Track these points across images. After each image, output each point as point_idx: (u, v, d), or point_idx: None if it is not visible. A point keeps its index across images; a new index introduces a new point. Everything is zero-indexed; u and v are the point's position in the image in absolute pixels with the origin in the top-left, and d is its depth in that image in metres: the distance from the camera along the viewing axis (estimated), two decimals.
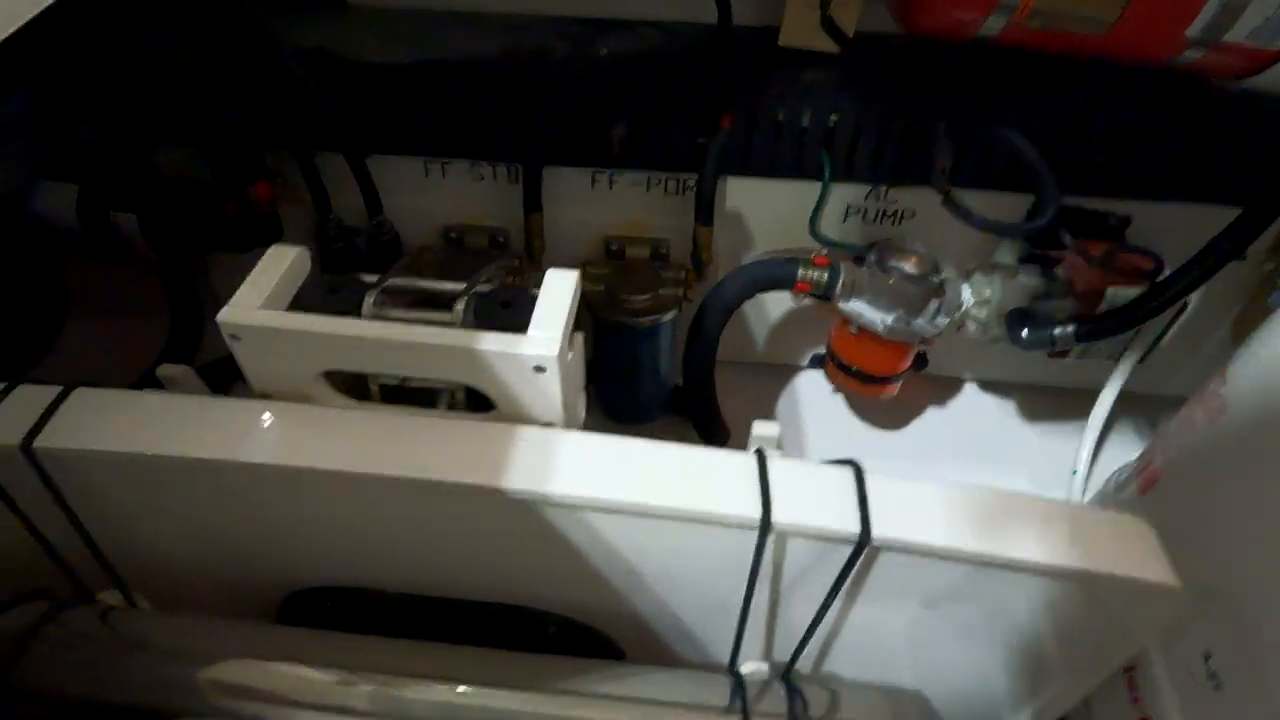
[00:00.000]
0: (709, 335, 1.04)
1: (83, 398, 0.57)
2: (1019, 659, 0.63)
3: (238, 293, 0.56)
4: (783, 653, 0.63)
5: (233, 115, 0.97)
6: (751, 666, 0.62)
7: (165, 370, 0.69)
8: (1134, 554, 0.52)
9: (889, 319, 1.01)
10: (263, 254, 1.10)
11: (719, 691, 0.58)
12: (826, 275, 1.02)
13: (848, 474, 0.55)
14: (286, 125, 1.02)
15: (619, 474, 0.53)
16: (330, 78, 0.99)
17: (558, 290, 0.58)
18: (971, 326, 1.05)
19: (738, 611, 0.59)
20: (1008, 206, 1.06)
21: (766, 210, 1.09)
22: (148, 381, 1.23)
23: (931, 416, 1.27)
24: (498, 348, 0.53)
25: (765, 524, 0.52)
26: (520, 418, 0.56)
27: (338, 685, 0.54)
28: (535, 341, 0.54)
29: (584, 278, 1.08)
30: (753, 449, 0.65)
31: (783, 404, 1.29)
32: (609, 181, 1.09)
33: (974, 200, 1.01)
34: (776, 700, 0.57)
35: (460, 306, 0.58)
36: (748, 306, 1.19)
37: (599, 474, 0.53)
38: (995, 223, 0.92)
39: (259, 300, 0.55)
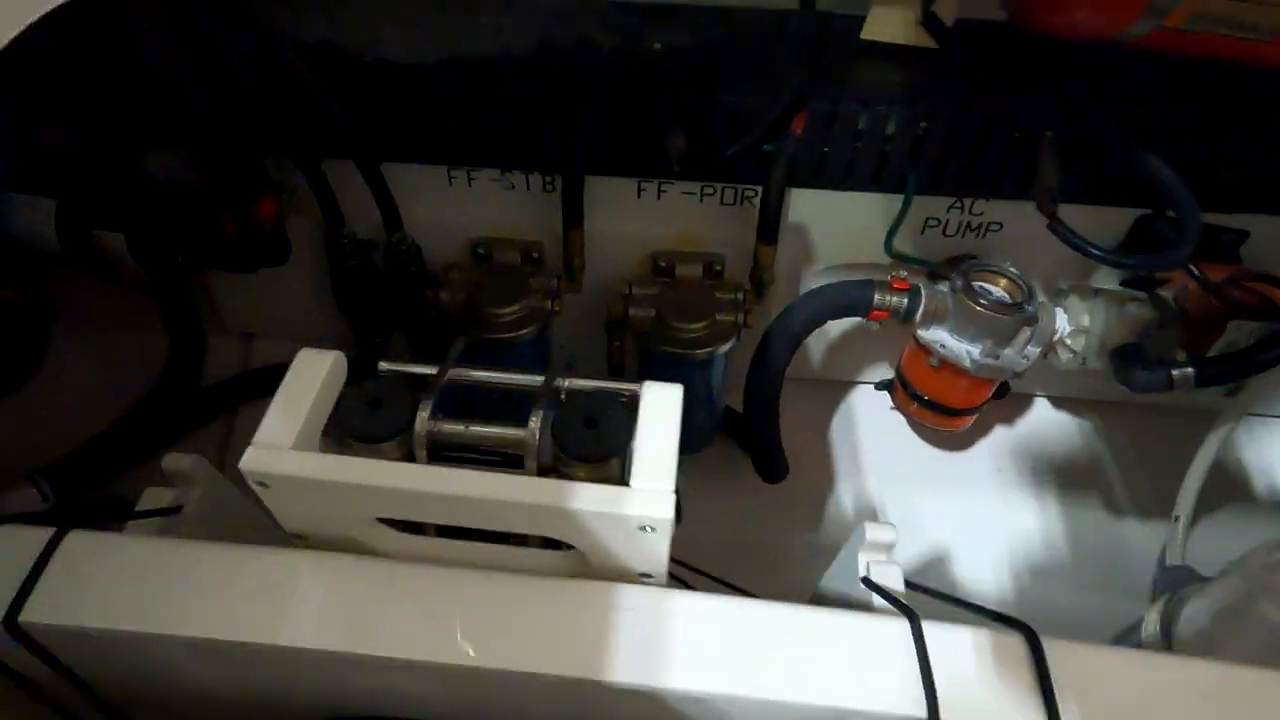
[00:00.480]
0: (774, 370, 0.93)
1: (77, 545, 0.46)
2: None
3: (263, 425, 0.44)
4: None
5: (226, 121, 0.83)
6: None
7: (173, 463, 0.58)
8: None
9: (975, 351, 0.90)
10: (269, 273, 1.00)
11: None
12: (907, 301, 0.90)
13: (1020, 646, 0.45)
14: (289, 130, 0.89)
15: (747, 654, 0.43)
16: (338, 76, 0.85)
17: (661, 414, 0.46)
18: (1064, 356, 0.94)
19: None
20: (1107, 222, 0.94)
21: (835, 224, 0.97)
22: (146, 405, 1.13)
23: (1000, 437, 1.17)
24: (594, 507, 0.42)
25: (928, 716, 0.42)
26: (612, 568, 0.46)
27: None
28: (643, 499, 0.43)
29: (629, 300, 0.98)
30: (862, 559, 0.56)
31: (837, 424, 1.19)
32: (657, 191, 0.97)
33: (1067, 214, 0.89)
34: None
35: (535, 425, 0.47)
36: None
37: (724, 655, 0.43)
38: (1116, 255, 0.81)
39: (290, 436, 0.44)
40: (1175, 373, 0.84)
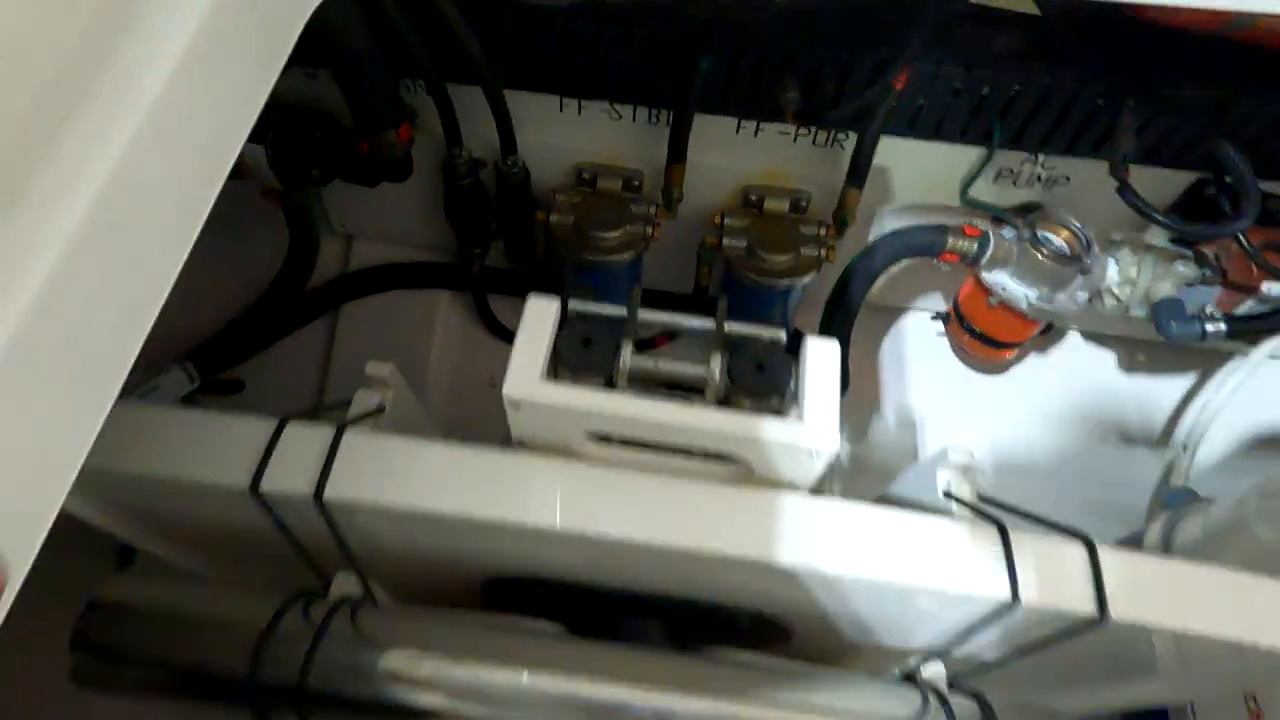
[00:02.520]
0: (853, 303, 1.04)
1: (354, 441, 0.58)
2: None
3: (513, 363, 0.56)
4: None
5: (379, 60, 0.90)
6: (931, 671, 0.70)
7: (375, 370, 0.70)
8: None
9: (1033, 295, 1.01)
10: (386, 185, 1.08)
11: (906, 701, 0.65)
12: (976, 246, 1.00)
13: (1081, 551, 0.59)
14: (423, 56, 0.95)
15: (877, 547, 0.57)
16: (474, 8, 0.91)
17: (824, 363, 0.58)
18: (1109, 302, 1.06)
19: (942, 644, 0.65)
20: (1166, 183, 1.03)
21: (916, 170, 1.06)
22: (268, 300, 1.23)
23: (1034, 365, 1.30)
24: (775, 437, 0.54)
25: (1013, 601, 0.57)
26: (774, 479, 0.59)
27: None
28: (814, 433, 0.55)
29: (722, 230, 1.07)
30: (941, 475, 0.68)
31: (887, 347, 1.31)
32: (755, 129, 1.04)
33: (1140, 176, 0.98)
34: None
35: (716, 366, 0.59)
36: None
37: (859, 547, 0.57)
38: (1178, 222, 0.91)
39: (537, 369, 0.56)
40: (1209, 327, 0.96)
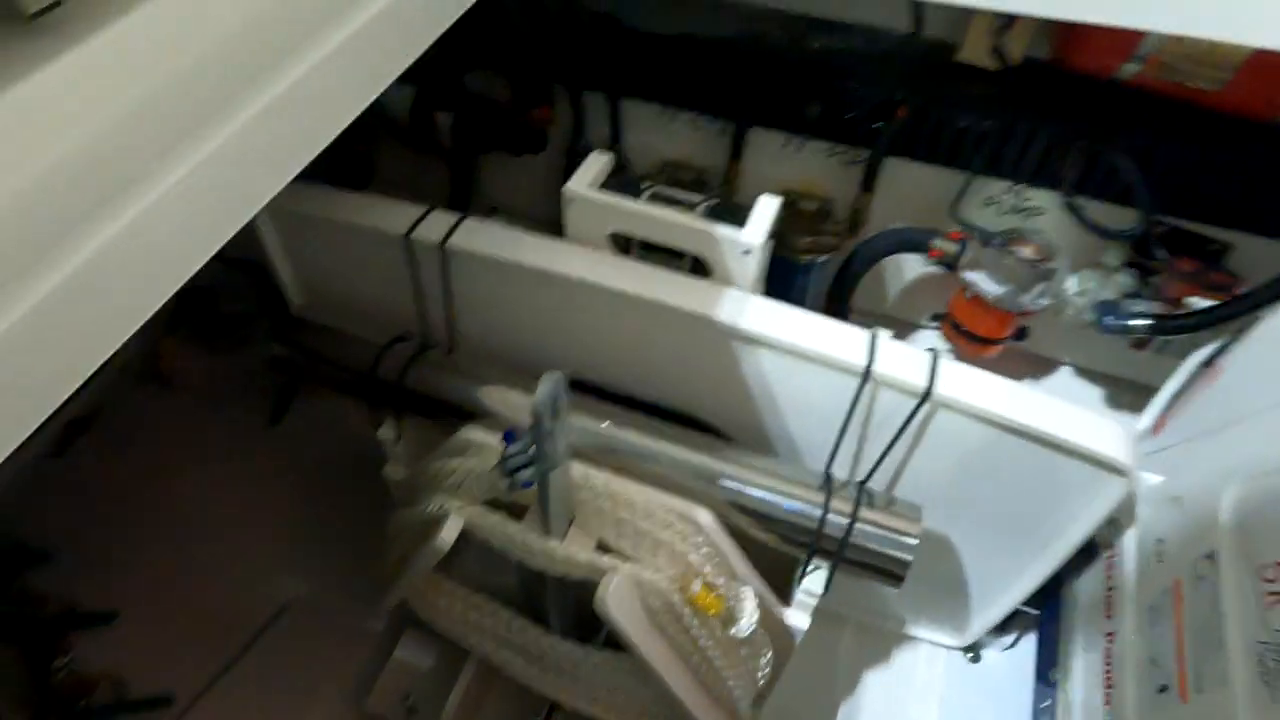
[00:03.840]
0: (853, 274, 1.33)
1: (471, 225, 0.95)
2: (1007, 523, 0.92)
3: (574, 176, 0.92)
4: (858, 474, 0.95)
5: (537, 54, 1.35)
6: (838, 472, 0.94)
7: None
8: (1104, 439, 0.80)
9: (999, 290, 1.27)
10: (531, 159, 1.50)
11: (814, 476, 0.90)
12: (957, 247, 1.28)
13: (928, 356, 0.85)
14: (569, 65, 1.39)
15: (787, 324, 0.86)
16: (609, 35, 1.34)
17: (766, 208, 0.90)
18: (1070, 311, 1.29)
19: (834, 437, 0.90)
20: (1126, 219, 1.28)
21: (918, 190, 1.36)
22: None
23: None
24: (723, 233, 0.86)
25: (867, 372, 0.83)
26: (728, 284, 0.90)
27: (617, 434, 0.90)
28: (748, 233, 0.87)
29: None
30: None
31: None
32: (798, 147, 1.40)
33: (1096, 209, 1.25)
34: (850, 491, 0.88)
35: (699, 207, 0.92)
36: (887, 265, 1.47)
37: (775, 322, 0.86)
38: (1100, 226, 1.16)
39: (587, 183, 0.91)
40: (1133, 322, 1.18)
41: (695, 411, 1.00)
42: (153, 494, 1.55)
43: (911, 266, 1.47)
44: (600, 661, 0.95)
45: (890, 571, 0.86)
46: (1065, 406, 0.83)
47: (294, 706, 1.25)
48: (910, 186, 1.37)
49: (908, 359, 0.85)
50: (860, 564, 0.87)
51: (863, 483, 0.90)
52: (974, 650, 1.26)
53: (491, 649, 1.01)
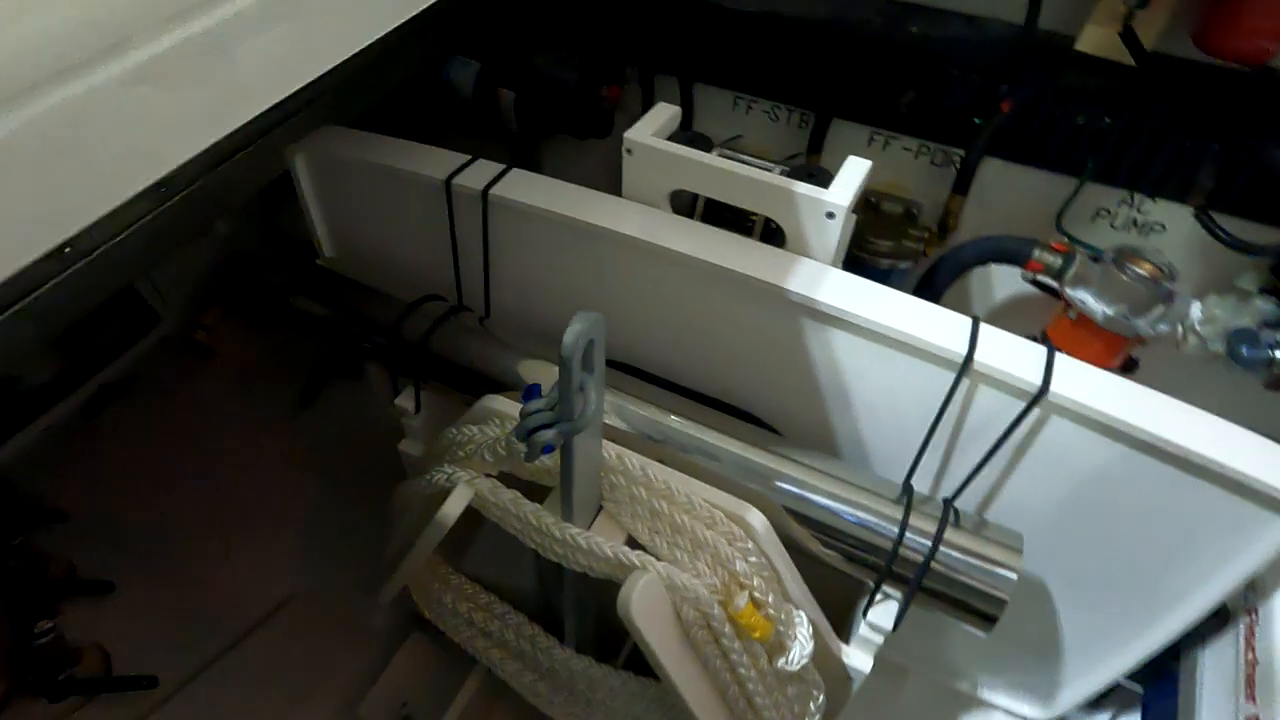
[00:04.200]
0: (937, 287, 1.19)
1: (517, 175, 0.85)
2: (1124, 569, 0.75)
3: (636, 125, 0.81)
4: (944, 492, 0.80)
5: (609, 27, 1.27)
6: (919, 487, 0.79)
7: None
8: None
9: (1110, 311, 1.11)
10: (596, 144, 1.42)
11: (891, 487, 0.75)
12: (1060, 261, 1.13)
13: (1043, 350, 0.71)
14: (642, 42, 1.30)
15: (871, 301, 0.73)
16: (687, 9, 1.25)
17: (854, 170, 0.78)
18: (1192, 342, 1.12)
19: (917, 444, 0.76)
20: (1262, 238, 1.11)
21: (1018, 196, 1.22)
22: None
23: None
24: (806, 191, 0.74)
25: (966, 363, 0.69)
26: (803, 249, 0.77)
27: (659, 419, 0.78)
28: (833, 193, 0.74)
29: None
30: None
31: None
32: (884, 143, 1.27)
33: (1229, 225, 1.09)
34: (934, 508, 0.73)
35: (776, 169, 0.80)
36: (975, 279, 1.32)
37: (857, 297, 0.73)
38: (1243, 240, 1.00)
39: (649, 132, 0.80)
40: (1277, 354, 1.00)
41: (751, 406, 0.87)
42: (174, 470, 1.49)
43: (1004, 281, 1.32)
44: (619, 685, 0.81)
45: (980, 610, 0.71)
46: (1219, 423, 0.67)
47: (282, 707, 1.14)
48: (1009, 192, 1.23)
49: (1017, 351, 0.71)
50: (942, 596, 0.72)
51: (950, 500, 0.75)
52: None
53: (498, 659, 0.88)
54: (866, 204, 1.31)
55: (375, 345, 0.90)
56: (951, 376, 0.71)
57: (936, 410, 0.74)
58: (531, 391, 0.59)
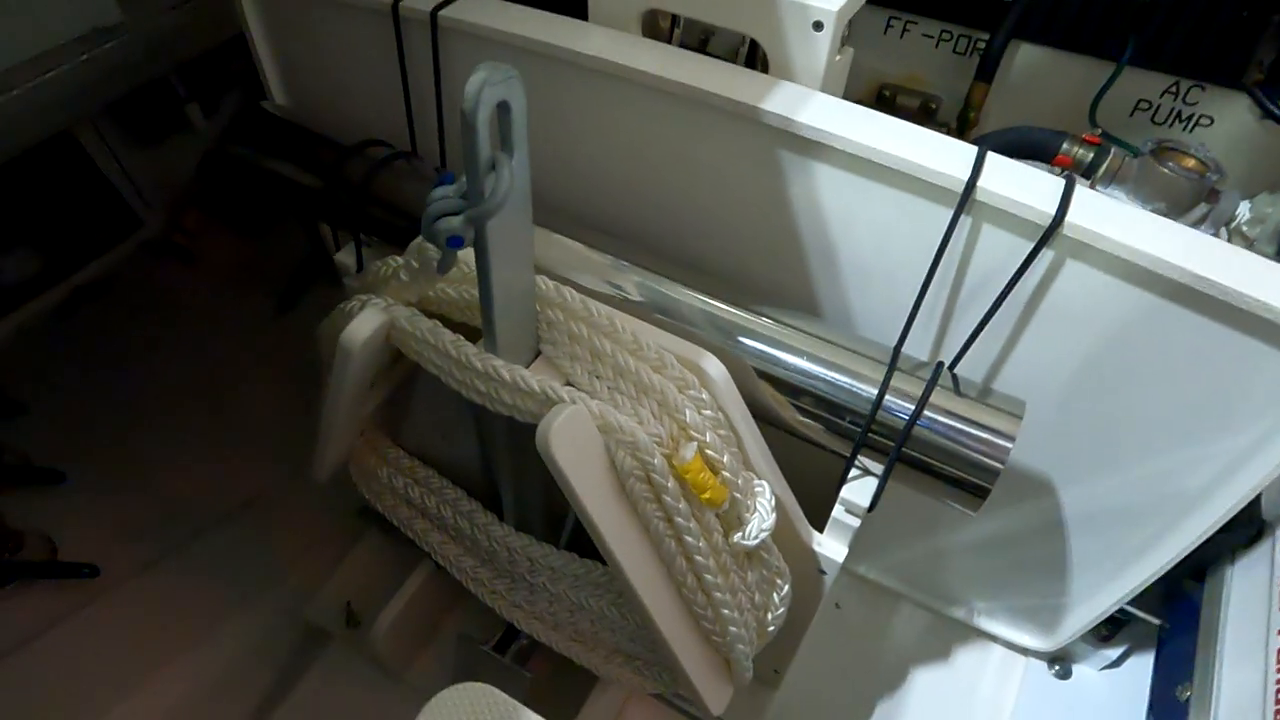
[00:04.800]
0: None
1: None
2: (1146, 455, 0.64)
3: None
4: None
5: None
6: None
7: None
8: None
9: (1145, 209, 0.99)
10: None
11: (879, 349, 0.65)
12: (1092, 155, 1.01)
13: (1060, 181, 0.60)
14: None
15: (857, 125, 0.62)
16: None
17: None
18: (1237, 244, 1.00)
19: (911, 300, 0.66)
20: None
21: (1048, 86, 1.10)
22: None
23: None
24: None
25: (968, 193, 0.59)
26: (787, 70, 0.67)
27: (611, 267, 0.69)
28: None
29: None
30: None
31: None
32: (903, 29, 1.16)
33: None
34: (924, 371, 0.63)
35: None
36: None
37: (842, 121, 0.63)
38: None
39: None
40: None
41: (729, 270, 0.77)
42: (145, 369, 1.43)
43: None
44: (561, 567, 0.73)
45: (970, 483, 0.61)
46: (1268, 263, 0.56)
47: (226, 607, 1.08)
48: (1038, 82, 1.10)
49: (1029, 179, 0.61)
50: (928, 468, 0.62)
51: (943, 365, 0.65)
52: (1061, 663, 0.97)
53: (438, 542, 0.80)
54: (880, 98, 1.19)
55: (311, 193, 0.82)
56: (949, 212, 0.61)
57: (933, 254, 0.63)
58: (444, 179, 0.50)
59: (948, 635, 0.99)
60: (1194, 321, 0.58)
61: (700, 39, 0.95)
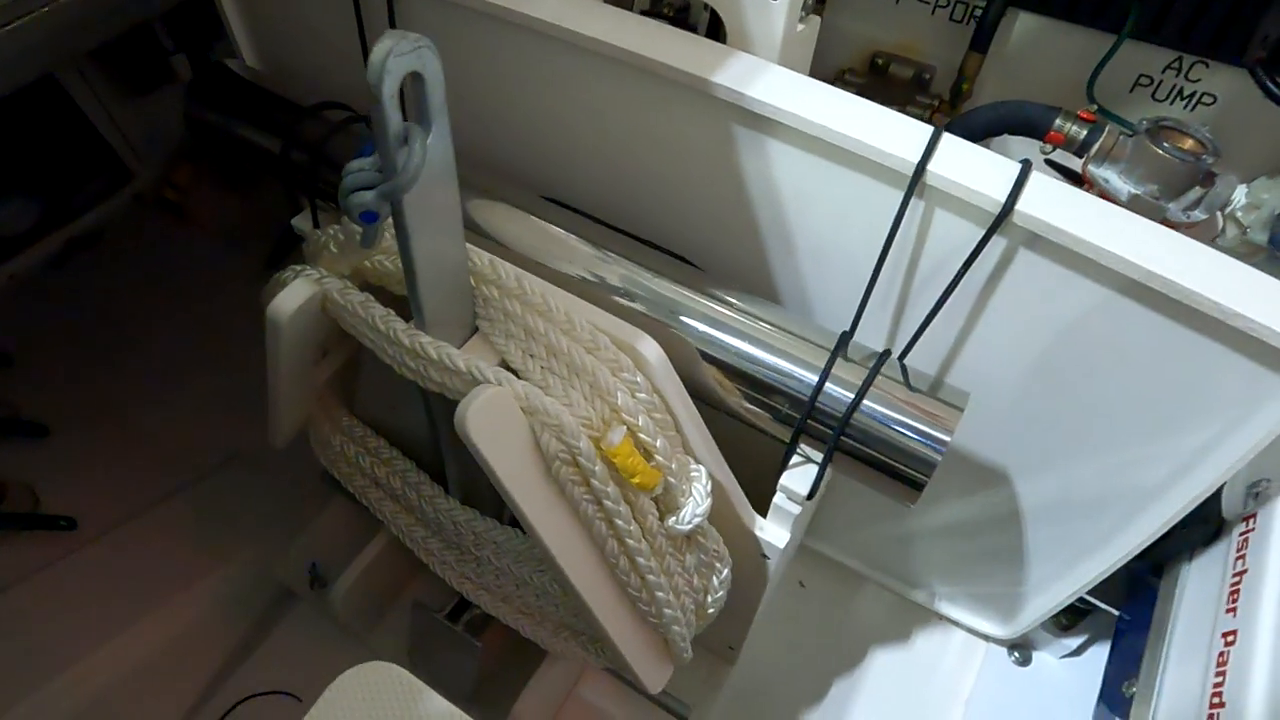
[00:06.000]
0: None
1: None
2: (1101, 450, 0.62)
3: None
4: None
5: None
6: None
7: None
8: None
9: (1137, 191, 0.95)
10: None
11: (827, 336, 0.63)
12: (1085, 132, 0.97)
13: (1015, 166, 0.57)
14: None
15: (808, 100, 0.60)
16: None
17: None
18: (1230, 232, 0.96)
19: (861, 286, 0.64)
20: None
21: (1046, 59, 1.06)
22: None
23: None
24: None
25: (918, 175, 0.56)
26: (744, 40, 0.64)
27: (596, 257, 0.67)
28: None
29: (840, 83, 1.13)
30: None
31: None
32: None
33: None
34: (869, 359, 0.61)
35: None
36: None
37: (792, 96, 0.60)
38: None
39: None
40: None
41: (683, 248, 0.75)
42: (133, 323, 1.44)
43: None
44: (504, 541, 0.73)
45: (905, 473, 0.60)
46: (1231, 262, 0.54)
47: (199, 563, 1.10)
48: (1036, 54, 1.06)
49: (984, 163, 0.58)
50: (865, 458, 0.61)
51: (889, 354, 0.63)
52: (1022, 650, 0.97)
53: (391, 512, 0.80)
54: (873, 67, 1.15)
55: (269, 155, 0.81)
56: (900, 195, 0.58)
57: (883, 239, 0.61)
58: (362, 151, 0.49)
59: (910, 618, 0.99)
60: (1149, 318, 0.56)
61: (679, 6, 0.92)
